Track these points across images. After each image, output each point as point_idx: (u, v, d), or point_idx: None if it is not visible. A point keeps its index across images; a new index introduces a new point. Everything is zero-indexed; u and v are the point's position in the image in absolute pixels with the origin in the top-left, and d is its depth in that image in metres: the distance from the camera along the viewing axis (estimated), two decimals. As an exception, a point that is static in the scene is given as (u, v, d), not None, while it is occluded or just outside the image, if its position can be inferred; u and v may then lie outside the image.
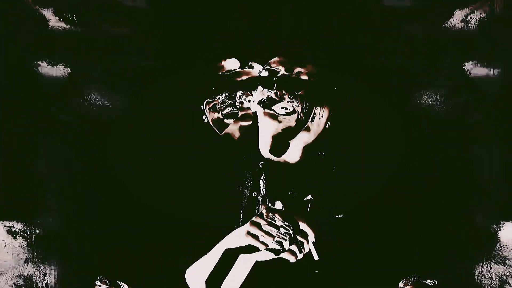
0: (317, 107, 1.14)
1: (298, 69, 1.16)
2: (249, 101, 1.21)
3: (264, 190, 1.15)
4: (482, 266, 1.23)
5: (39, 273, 1.21)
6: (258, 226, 0.97)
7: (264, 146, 1.18)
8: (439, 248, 1.27)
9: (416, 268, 1.21)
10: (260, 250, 0.94)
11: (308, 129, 1.14)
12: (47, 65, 1.24)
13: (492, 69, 1.24)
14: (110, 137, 1.34)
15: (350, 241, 1.11)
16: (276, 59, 1.19)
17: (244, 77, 1.25)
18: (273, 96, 1.13)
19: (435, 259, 1.26)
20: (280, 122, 1.14)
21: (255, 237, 0.95)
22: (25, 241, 1.20)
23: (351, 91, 1.27)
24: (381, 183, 1.20)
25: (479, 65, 1.25)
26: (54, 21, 1.24)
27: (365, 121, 1.31)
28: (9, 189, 1.21)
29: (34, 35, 1.22)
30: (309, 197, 1.14)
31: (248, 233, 0.97)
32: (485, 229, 1.24)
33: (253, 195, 1.16)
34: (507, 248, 1.20)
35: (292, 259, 0.95)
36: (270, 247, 0.94)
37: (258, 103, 1.16)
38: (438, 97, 1.30)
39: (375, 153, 1.27)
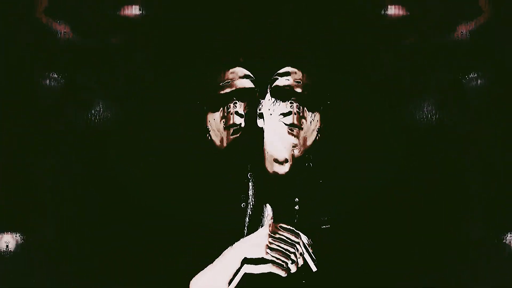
0: (313, 117, 1.13)
1: (306, 81, 1.15)
2: (261, 114, 1.20)
3: (253, 200, 1.14)
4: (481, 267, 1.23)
5: (38, 275, 1.21)
6: (274, 240, 0.97)
7: (279, 157, 1.16)
8: (426, 259, 1.27)
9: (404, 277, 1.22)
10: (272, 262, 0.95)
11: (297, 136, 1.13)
12: (46, 66, 1.23)
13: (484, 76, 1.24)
14: (110, 139, 1.34)
15: (337, 251, 1.10)
16: (289, 69, 1.17)
17: (229, 89, 1.24)
18: (295, 111, 1.11)
19: (422, 268, 1.26)
20: (295, 136, 1.12)
21: (275, 251, 0.96)
22: (24, 244, 1.20)
23: (342, 102, 1.26)
24: (369, 193, 1.18)
25: (469, 74, 1.25)
26: (54, 27, 1.23)
27: (354, 131, 1.30)
28: (8, 191, 1.20)
29: (35, 41, 1.22)
30: (296, 207, 1.13)
31: (268, 247, 0.96)
32: (481, 234, 1.24)
33: (242, 205, 1.14)
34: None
35: (283, 274, 0.95)
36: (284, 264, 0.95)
37: (281, 116, 1.12)
38: (429, 105, 1.30)
39: (364, 163, 1.26)
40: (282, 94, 1.13)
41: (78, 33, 1.26)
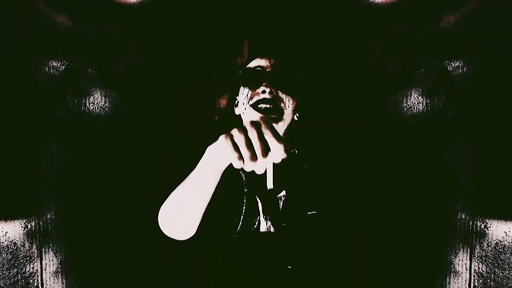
0: (286, 97, 1.09)
1: (276, 63, 1.12)
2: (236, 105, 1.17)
3: (245, 182, 1.12)
4: (470, 264, 1.21)
5: (37, 272, 1.21)
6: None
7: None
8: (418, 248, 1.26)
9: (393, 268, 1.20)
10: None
11: (278, 120, 1.10)
12: (47, 65, 1.24)
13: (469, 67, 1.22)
14: (110, 136, 1.35)
15: (324, 239, 1.09)
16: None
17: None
18: (268, 96, 1.07)
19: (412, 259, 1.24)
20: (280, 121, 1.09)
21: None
22: (21, 240, 1.19)
23: (323, 83, 1.24)
24: (356, 179, 1.17)
25: (457, 62, 1.23)
26: (56, 21, 1.24)
27: (341, 116, 1.30)
28: (7, 187, 1.19)
29: (34, 33, 1.21)
30: (283, 193, 1.11)
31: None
32: (472, 227, 1.22)
33: (240, 185, 1.11)
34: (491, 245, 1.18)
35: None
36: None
37: (253, 107, 1.08)
38: (416, 95, 1.29)
39: (350, 150, 1.26)
40: (253, 78, 1.09)
41: (77, 22, 1.27)
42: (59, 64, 1.25)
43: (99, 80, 1.33)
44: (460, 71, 1.20)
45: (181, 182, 1.23)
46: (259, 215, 1.09)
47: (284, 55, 1.22)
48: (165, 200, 1.20)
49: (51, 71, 1.24)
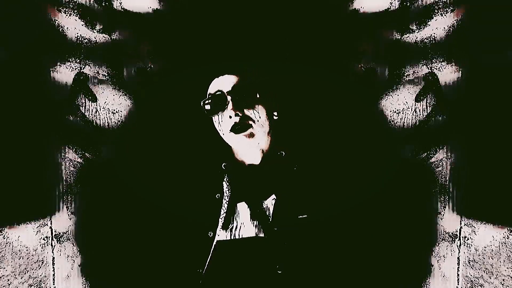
0: (249, 109, 1.09)
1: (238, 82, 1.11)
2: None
3: (228, 192, 1.13)
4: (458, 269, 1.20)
5: (46, 275, 1.26)
6: None
7: (250, 160, 1.16)
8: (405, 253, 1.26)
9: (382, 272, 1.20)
10: None
11: (252, 135, 1.11)
12: (56, 67, 1.25)
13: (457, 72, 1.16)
14: (110, 137, 1.38)
15: (313, 242, 1.09)
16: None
17: None
18: (235, 119, 1.08)
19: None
20: (251, 136, 1.10)
21: None
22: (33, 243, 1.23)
23: (305, 80, 1.23)
24: (344, 182, 1.16)
25: (444, 68, 1.18)
26: (66, 24, 1.24)
27: (330, 118, 1.27)
28: (20, 192, 1.21)
29: (45, 38, 1.22)
30: (272, 197, 1.11)
31: None
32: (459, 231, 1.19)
33: (217, 196, 1.13)
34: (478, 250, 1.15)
35: None
36: None
37: (231, 131, 1.09)
38: (403, 100, 1.24)
39: (337, 152, 1.25)
40: (215, 105, 1.09)
41: (88, 27, 1.27)
42: (69, 69, 1.27)
43: (103, 83, 1.34)
44: (448, 76, 1.16)
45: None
46: (241, 222, 1.11)
47: (279, 57, 1.19)
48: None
49: (61, 75, 1.25)
